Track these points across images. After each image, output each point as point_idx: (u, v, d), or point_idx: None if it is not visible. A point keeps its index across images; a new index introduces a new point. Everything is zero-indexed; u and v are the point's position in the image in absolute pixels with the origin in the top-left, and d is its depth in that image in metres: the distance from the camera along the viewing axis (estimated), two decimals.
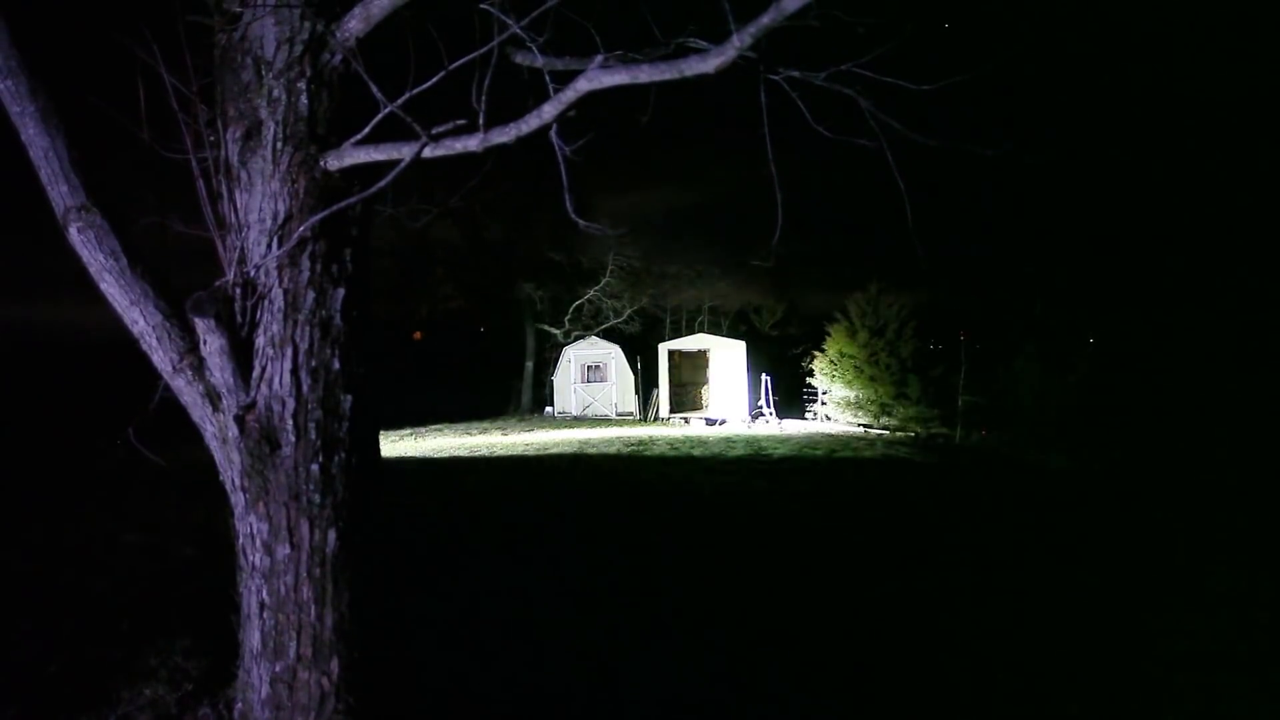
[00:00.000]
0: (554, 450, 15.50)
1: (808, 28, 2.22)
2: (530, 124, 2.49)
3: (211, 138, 2.80)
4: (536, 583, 5.99)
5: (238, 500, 2.87)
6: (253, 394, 2.78)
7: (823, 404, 23.89)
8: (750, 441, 17.89)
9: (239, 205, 2.79)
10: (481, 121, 2.49)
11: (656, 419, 24.00)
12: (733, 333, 25.01)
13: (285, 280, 2.78)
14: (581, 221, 2.64)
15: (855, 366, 22.58)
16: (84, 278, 2.78)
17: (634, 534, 7.83)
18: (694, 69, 2.27)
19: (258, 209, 2.77)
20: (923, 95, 2.66)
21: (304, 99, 2.73)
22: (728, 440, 17.99)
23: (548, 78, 2.58)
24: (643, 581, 6.17)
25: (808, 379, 24.46)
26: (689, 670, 4.42)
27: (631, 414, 24.81)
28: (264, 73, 2.72)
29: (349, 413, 2.89)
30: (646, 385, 25.40)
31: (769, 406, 23.28)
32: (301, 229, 2.72)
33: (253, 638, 2.89)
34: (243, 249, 2.78)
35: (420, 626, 4.83)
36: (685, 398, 25.67)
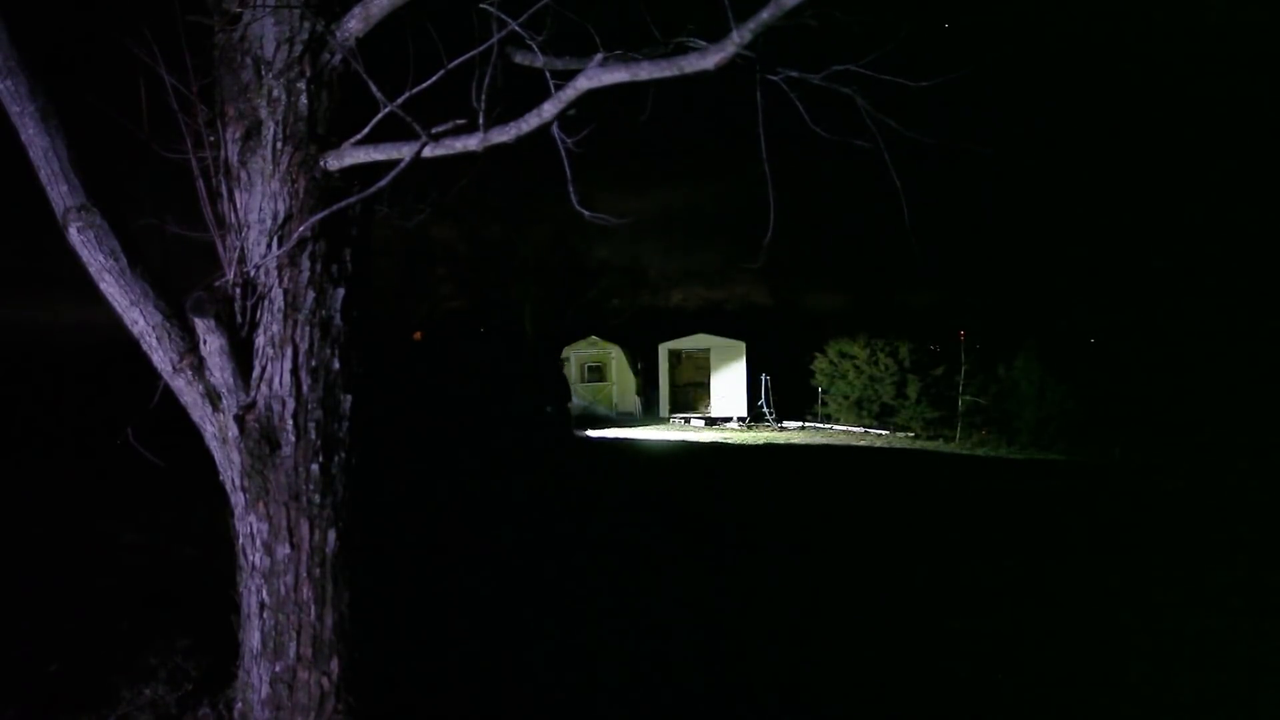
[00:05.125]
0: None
1: (806, 27, 2.22)
2: (530, 123, 2.49)
3: (211, 138, 2.80)
4: None
5: (238, 500, 2.87)
6: (253, 394, 2.78)
7: (823, 404, 23.87)
8: (750, 441, 17.90)
9: (239, 205, 2.79)
10: (481, 121, 2.49)
11: (657, 419, 23.97)
12: (733, 333, 24.95)
13: (285, 280, 2.78)
14: (587, 213, 2.64)
15: (856, 367, 22.57)
16: (84, 278, 2.78)
17: None
18: (693, 66, 2.27)
19: (258, 209, 2.77)
20: (921, 94, 2.66)
21: (304, 99, 2.73)
22: (728, 440, 18.00)
23: (548, 76, 2.58)
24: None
25: (808, 380, 24.43)
26: None
27: (631, 414, 24.78)
28: (264, 73, 2.72)
29: (349, 413, 2.89)
30: (647, 386, 25.37)
31: (769, 407, 23.28)
32: (301, 229, 2.72)
33: (253, 638, 2.89)
34: (243, 249, 2.78)
35: None
36: (685, 398, 25.64)
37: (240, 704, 3.00)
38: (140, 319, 2.77)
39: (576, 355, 25.54)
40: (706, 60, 2.24)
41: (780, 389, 23.83)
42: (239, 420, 2.77)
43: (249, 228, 2.78)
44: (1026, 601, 5.92)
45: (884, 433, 21.04)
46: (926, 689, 4.34)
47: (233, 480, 2.86)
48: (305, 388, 2.80)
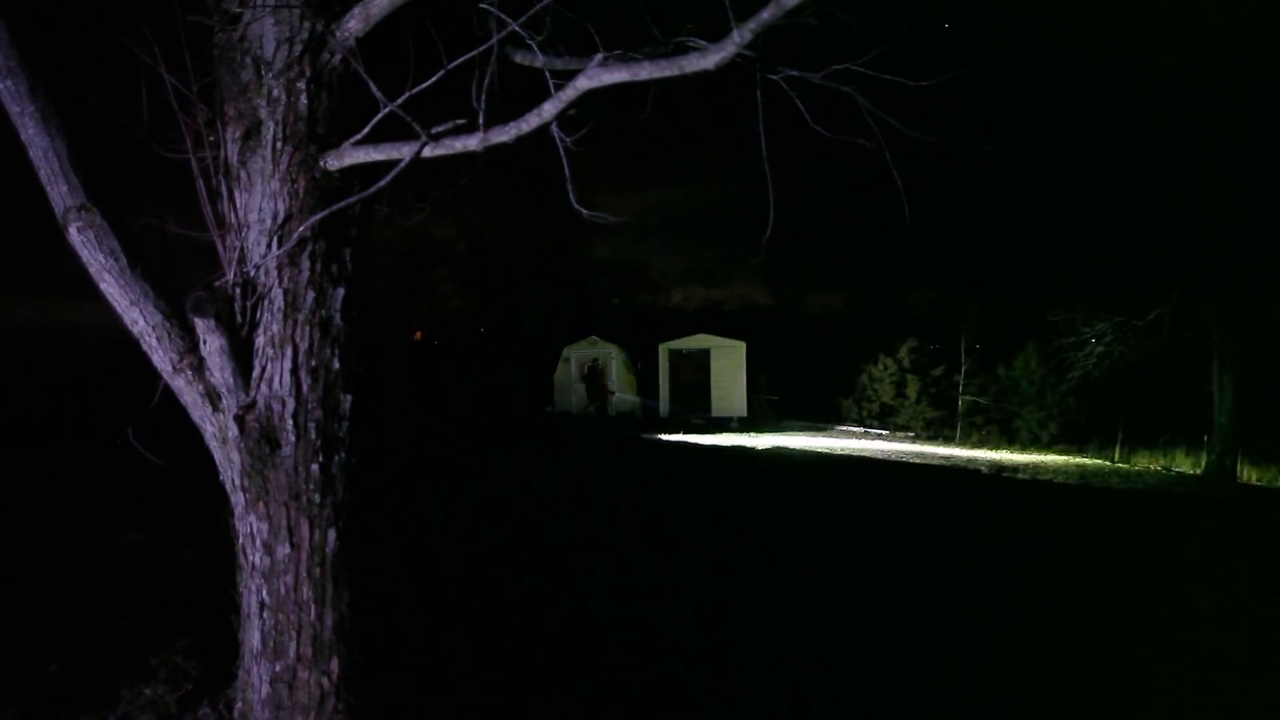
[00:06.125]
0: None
1: (806, 26, 2.21)
2: (530, 123, 2.49)
3: (211, 138, 2.80)
4: None
5: (238, 500, 2.87)
6: (253, 394, 2.77)
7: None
8: (751, 442, 17.91)
9: (239, 205, 2.79)
10: (481, 121, 2.49)
11: (656, 420, 23.96)
12: (733, 333, 24.93)
13: (285, 280, 2.77)
14: (585, 211, 2.64)
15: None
16: (84, 278, 2.78)
17: None
18: (694, 66, 2.27)
19: (257, 209, 2.77)
20: (921, 93, 2.65)
21: (304, 99, 2.73)
22: (727, 443, 18.00)
23: (548, 76, 2.58)
24: None
25: (807, 379, 24.43)
26: None
27: (631, 414, 24.78)
28: (263, 73, 2.72)
29: (349, 413, 2.89)
30: (646, 385, 25.37)
31: (768, 408, 23.29)
32: (301, 229, 2.72)
33: (253, 638, 2.89)
34: (243, 249, 2.78)
35: None
36: (685, 398, 25.63)
37: (240, 704, 2.99)
38: (140, 319, 2.77)
39: (576, 355, 25.53)
40: (707, 60, 2.24)
41: (781, 389, 23.85)
42: (239, 420, 2.77)
43: (249, 228, 2.78)
44: None
45: (884, 432, 21.05)
46: None
47: (233, 480, 2.86)
48: (305, 388, 2.80)
